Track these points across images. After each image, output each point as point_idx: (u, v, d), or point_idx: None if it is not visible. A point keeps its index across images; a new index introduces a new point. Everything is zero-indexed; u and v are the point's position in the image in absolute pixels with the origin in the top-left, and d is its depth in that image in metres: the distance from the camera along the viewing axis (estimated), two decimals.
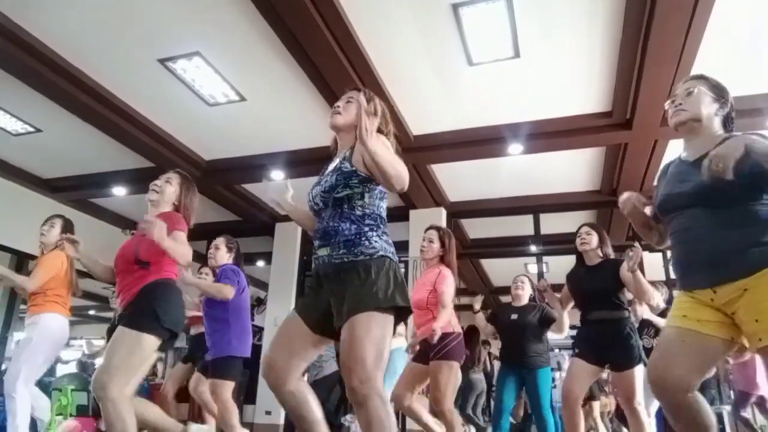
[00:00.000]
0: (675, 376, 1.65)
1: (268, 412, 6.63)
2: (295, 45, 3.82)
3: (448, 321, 3.24)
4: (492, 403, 5.14)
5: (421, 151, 5.34)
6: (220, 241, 3.80)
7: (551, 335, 4.05)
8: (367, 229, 1.74)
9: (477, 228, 7.71)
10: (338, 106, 1.95)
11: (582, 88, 4.50)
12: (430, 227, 3.54)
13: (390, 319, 1.66)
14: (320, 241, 1.77)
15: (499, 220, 6.96)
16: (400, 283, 1.70)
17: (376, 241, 1.72)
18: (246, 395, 6.96)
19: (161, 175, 2.71)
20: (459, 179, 6.16)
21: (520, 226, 6.94)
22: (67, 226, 3.56)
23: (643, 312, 4.21)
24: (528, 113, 4.86)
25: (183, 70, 4.31)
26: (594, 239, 3.22)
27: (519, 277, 4.20)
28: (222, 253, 3.76)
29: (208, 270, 4.66)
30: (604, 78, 4.31)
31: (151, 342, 2.31)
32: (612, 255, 3.24)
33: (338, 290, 1.69)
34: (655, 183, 2.07)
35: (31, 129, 5.35)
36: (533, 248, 6.92)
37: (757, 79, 4.22)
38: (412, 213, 6.61)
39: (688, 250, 1.75)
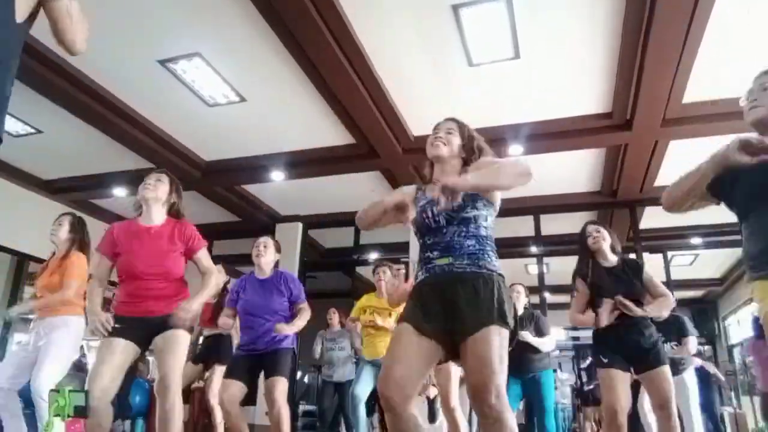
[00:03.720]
0: None
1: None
2: (295, 46, 3.82)
3: None
4: None
5: (423, 151, 5.31)
6: (270, 242, 3.54)
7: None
8: (488, 248, 1.85)
9: None
10: (440, 137, 2.01)
11: (582, 89, 4.49)
12: None
13: (508, 333, 1.72)
14: (441, 252, 1.82)
15: (499, 220, 6.85)
16: (512, 304, 1.80)
17: (495, 260, 1.83)
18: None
19: (151, 174, 2.75)
20: None
21: (521, 227, 6.93)
22: (76, 224, 3.46)
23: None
24: (528, 114, 4.85)
25: (183, 70, 4.31)
26: (606, 235, 3.06)
27: (513, 286, 4.21)
28: (271, 253, 3.51)
29: (220, 267, 4.56)
30: (604, 79, 4.31)
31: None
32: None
33: (456, 300, 1.72)
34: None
35: (32, 130, 5.35)
36: (534, 249, 6.92)
37: None
38: None
39: None
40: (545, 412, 3.86)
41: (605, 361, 2.87)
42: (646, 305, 2.84)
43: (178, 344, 2.52)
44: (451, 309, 1.72)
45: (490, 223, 1.91)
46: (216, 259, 4.05)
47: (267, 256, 3.44)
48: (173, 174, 2.83)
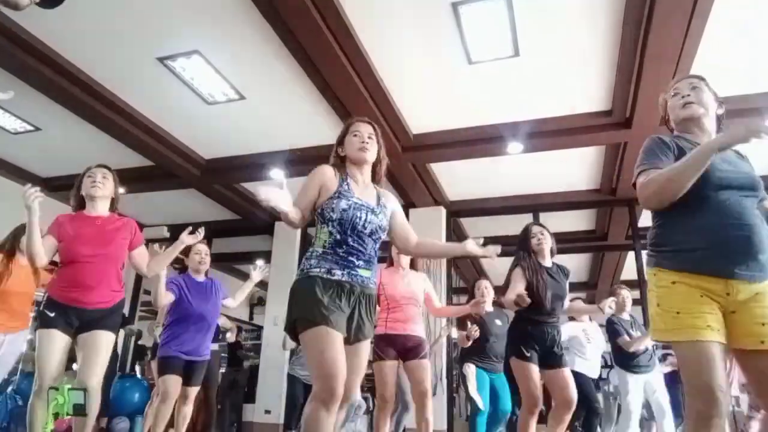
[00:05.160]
0: (726, 394, 1.58)
1: (267, 411, 6.64)
2: (295, 44, 3.81)
3: None
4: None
5: (421, 149, 5.34)
6: (205, 248, 3.77)
7: None
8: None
9: (477, 227, 7.70)
10: (366, 143, 2.09)
11: (582, 86, 4.49)
12: None
13: None
14: (365, 264, 1.98)
15: (498, 219, 6.95)
16: None
17: None
18: (246, 395, 6.97)
19: (95, 169, 2.83)
20: (459, 178, 6.15)
21: (520, 225, 6.91)
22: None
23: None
24: (527, 112, 4.85)
25: (182, 68, 4.31)
26: (548, 239, 3.31)
27: (479, 281, 4.29)
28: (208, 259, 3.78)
29: None
30: (603, 77, 4.31)
31: None
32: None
33: (361, 309, 1.95)
34: (649, 148, 2.02)
35: (30, 127, 5.34)
36: None
37: (757, 79, 4.22)
38: (412, 212, 6.60)
39: (729, 234, 1.65)
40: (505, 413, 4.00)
41: (527, 355, 3.07)
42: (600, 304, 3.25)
43: (105, 343, 2.57)
44: (354, 313, 1.93)
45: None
46: (216, 258, 4.09)
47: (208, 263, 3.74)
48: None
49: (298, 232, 7.33)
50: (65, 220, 2.70)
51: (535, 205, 6.60)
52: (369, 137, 2.11)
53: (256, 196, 1.74)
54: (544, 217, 6.73)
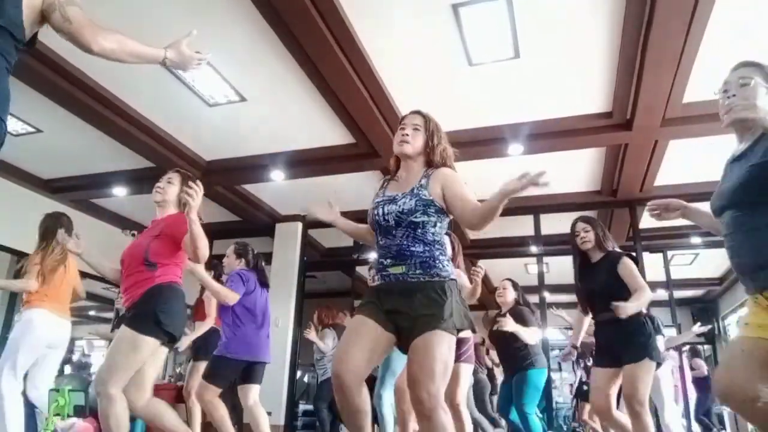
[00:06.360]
0: (737, 387, 1.52)
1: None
2: (295, 45, 3.82)
3: None
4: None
5: None
6: (229, 249, 3.85)
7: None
8: (438, 253, 1.88)
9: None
10: (406, 134, 2.01)
11: (582, 88, 4.49)
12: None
13: (454, 339, 1.79)
14: (393, 260, 1.87)
15: (499, 220, 6.87)
16: (464, 307, 1.85)
17: (447, 265, 1.87)
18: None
19: (163, 175, 2.77)
20: None
21: (521, 226, 6.93)
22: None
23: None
24: (528, 114, 4.85)
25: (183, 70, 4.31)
26: (592, 235, 3.15)
27: (502, 282, 4.22)
28: (231, 260, 3.79)
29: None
30: (604, 78, 4.31)
31: (150, 344, 2.36)
32: (615, 248, 3.14)
33: (409, 307, 1.79)
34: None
35: (32, 129, 5.35)
36: (533, 249, 6.92)
37: None
38: None
39: (732, 255, 1.67)
40: (519, 409, 3.89)
41: (595, 359, 3.01)
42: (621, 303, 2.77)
43: (117, 340, 2.39)
44: (403, 311, 1.80)
45: (438, 230, 1.94)
46: (216, 260, 4.11)
47: (227, 265, 3.84)
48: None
49: (299, 233, 7.33)
50: None
51: (536, 206, 6.60)
52: (414, 128, 2.02)
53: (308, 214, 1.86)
54: (544, 218, 6.74)
